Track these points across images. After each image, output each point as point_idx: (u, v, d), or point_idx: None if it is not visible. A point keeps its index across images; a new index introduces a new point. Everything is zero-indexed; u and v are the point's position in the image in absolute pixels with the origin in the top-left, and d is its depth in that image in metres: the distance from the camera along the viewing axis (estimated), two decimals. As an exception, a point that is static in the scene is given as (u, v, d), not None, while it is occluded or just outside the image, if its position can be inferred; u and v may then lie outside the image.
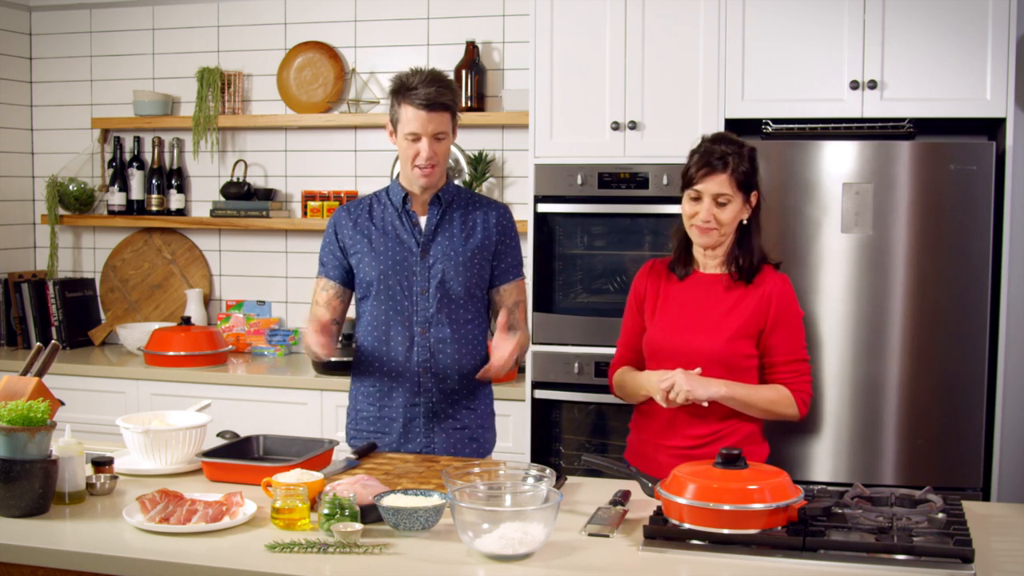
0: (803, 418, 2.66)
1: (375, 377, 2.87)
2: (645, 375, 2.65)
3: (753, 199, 2.61)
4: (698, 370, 2.56)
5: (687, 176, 2.61)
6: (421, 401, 2.83)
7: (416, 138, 2.73)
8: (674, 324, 2.64)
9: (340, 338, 2.99)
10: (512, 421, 3.84)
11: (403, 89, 2.73)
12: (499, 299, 2.91)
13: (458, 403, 2.85)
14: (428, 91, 2.69)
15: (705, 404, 2.54)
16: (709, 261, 2.66)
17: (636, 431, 2.75)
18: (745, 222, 2.61)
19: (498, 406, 3.82)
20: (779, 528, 2.03)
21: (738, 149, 2.57)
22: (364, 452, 2.70)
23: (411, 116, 2.71)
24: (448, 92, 2.73)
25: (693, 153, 2.63)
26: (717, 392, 2.52)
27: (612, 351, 2.88)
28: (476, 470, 2.28)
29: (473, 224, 2.85)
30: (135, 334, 4.52)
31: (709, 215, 2.56)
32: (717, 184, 2.55)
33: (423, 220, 2.85)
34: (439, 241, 2.83)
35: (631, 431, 2.77)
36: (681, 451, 2.61)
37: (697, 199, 2.58)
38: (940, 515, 2.14)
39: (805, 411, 2.63)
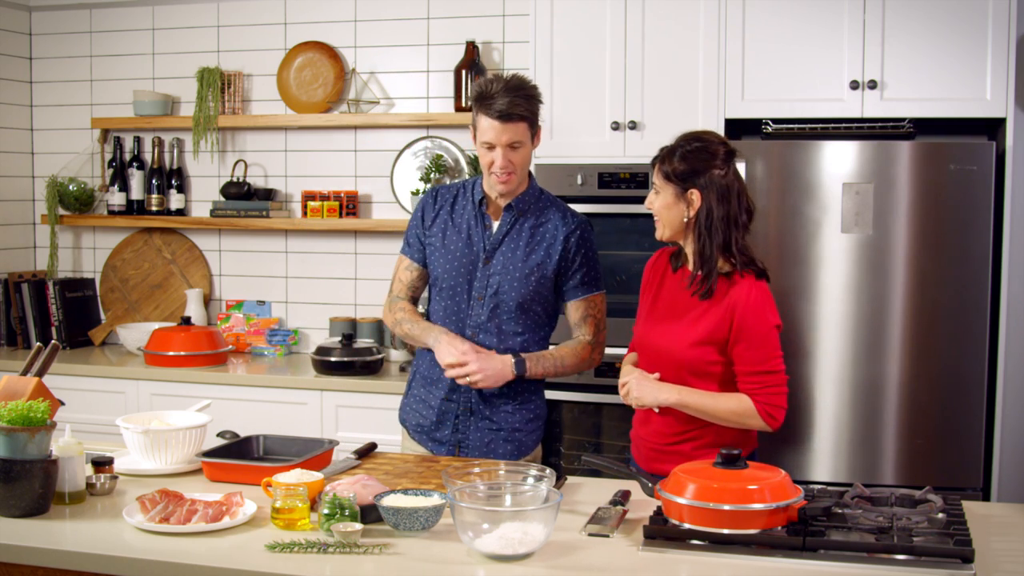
0: (775, 430, 2.57)
1: (429, 363, 2.89)
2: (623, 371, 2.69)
3: (691, 197, 2.55)
4: (656, 375, 2.57)
5: None
6: (458, 399, 2.84)
7: (491, 147, 2.73)
8: (653, 322, 2.66)
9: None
10: (512, 421, 3.84)
11: (481, 97, 2.71)
12: (568, 314, 2.92)
13: (497, 406, 2.84)
14: (503, 102, 2.67)
15: (656, 410, 2.55)
16: (690, 258, 2.66)
17: (633, 425, 2.78)
18: (686, 220, 2.58)
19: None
20: (779, 528, 2.03)
21: (681, 145, 2.58)
22: (364, 452, 2.70)
23: (486, 126, 2.71)
24: (524, 103, 2.70)
25: None
26: (667, 399, 2.52)
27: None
28: (476, 470, 2.29)
29: (540, 239, 2.83)
30: (135, 334, 4.52)
31: (648, 202, 2.64)
32: (655, 173, 2.62)
33: (495, 225, 2.85)
34: (503, 251, 2.82)
35: (633, 425, 2.78)
36: (658, 446, 2.63)
37: None
38: (940, 515, 2.14)
39: (774, 424, 2.54)
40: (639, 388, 2.54)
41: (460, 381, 2.75)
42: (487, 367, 2.73)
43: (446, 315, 2.86)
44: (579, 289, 2.87)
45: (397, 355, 4.28)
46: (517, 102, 2.69)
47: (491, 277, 2.81)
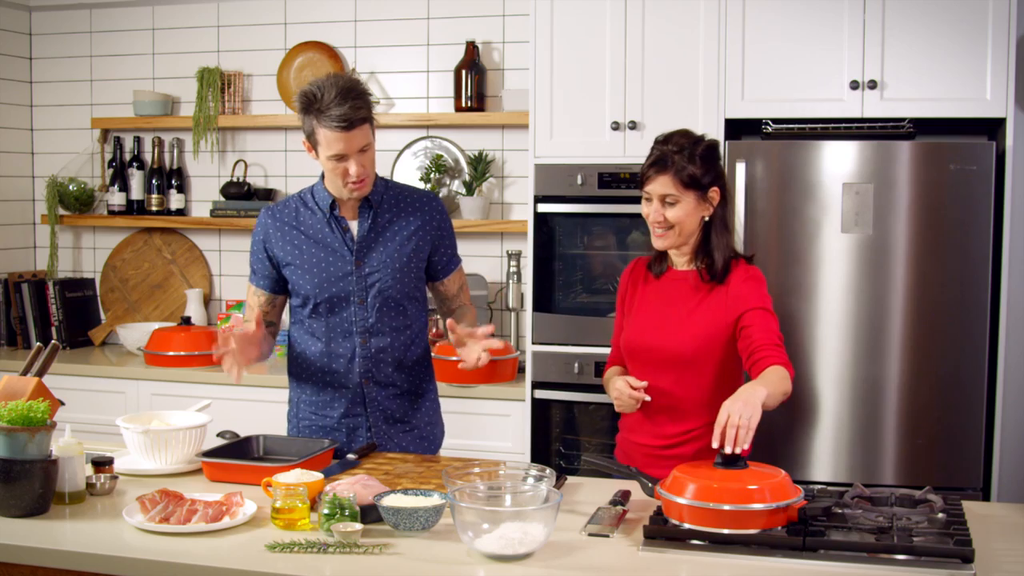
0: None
1: (316, 386, 2.82)
2: (611, 382, 2.64)
3: (713, 196, 2.57)
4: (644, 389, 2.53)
5: (640, 178, 2.61)
6: (364, 411, 2.80)
7: (342, 158, 2.61)
8: (646, 324, 2.64)
9: (276, 340, 2.93)
10: (512, 421, 3.84)
11: (315, 109, 2.57)
12: (444, 289, 2.89)
13: (404, 406, 2.83)
14: (343, 110, 2.54)
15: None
16: (678, 259, 2.65)
17: (622, 428, 2.77)
18: (707, 219, 2.59)
19: (498, 406, 3.85)
20: (779, 528, 2.03)
21: (686, 148, 2.54)
22: (364, 452, 2.70)
23: (332, 138, 2.58)
24: (364, 104, 2.60)
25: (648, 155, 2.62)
26: (761, 397, 2.28)
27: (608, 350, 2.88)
28: (476, 470, 2.28)
29: (406, 225, 2.78)
30: (135, 334, 4.52)
31: (659, 215, 2.56)
32: (661, 185, 2.54)
33: (354, 226, 2.75)
34: (374, 248, 2.74)
35: (620, 430, 2.78)
36: (655, 450, 2.61)
37: (649, 199, 2.58)
38: (940, 515, 2.14)
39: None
40: (747, 411, 2.22)
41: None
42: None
43: (329, 331, 2.76)
44: (452, 262, 2.88)
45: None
46: (358, 105, 2.58)
47: (369, 277, 2.74)
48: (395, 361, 2.79)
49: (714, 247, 2.59)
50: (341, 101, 2.55)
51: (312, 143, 2.65)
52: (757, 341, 2.51)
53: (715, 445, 2.17)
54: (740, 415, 2.18)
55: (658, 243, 2.61)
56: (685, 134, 2.59)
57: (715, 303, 2.58)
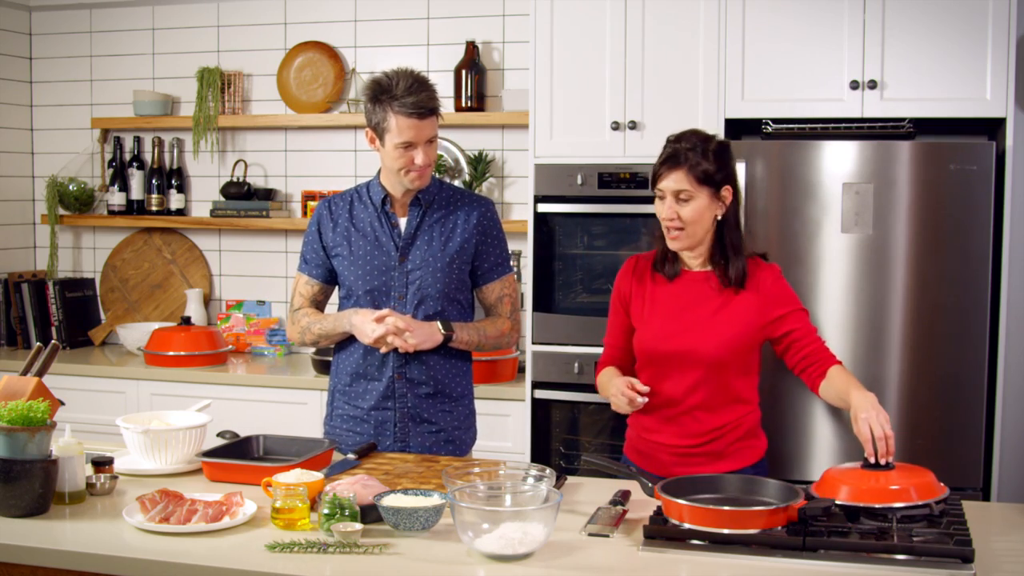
0: None
1: (352, 376, 2.86)
2: (609, 383, 2.61)
3: (725, 195, 2.57)
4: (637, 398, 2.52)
5: (652, 176, 2.60)
6: (394, 405, 2.82)
7: (410, 146, 2.68)
8: (667, 327, 2.60)
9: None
10: (512, 421, 3.84)
11: (388, 97, 2.65)
12: (483, 297, 2.90)
13: (434, 406, 2.83)
14: (418, 98, 2.63)
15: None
16: (692, 260, 2.64)
17: (636, 428, 2.72)
18: (719, 218, 2.59)
19: (498, 406, 3.85)
20: (779, 528, 2.03)
21: (698, 145, 2.54)
22: (364, 452, 2.70)
23: (405, 125, 2.64)
24: (435, 95, 2.69)
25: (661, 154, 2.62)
26: (877, 401, 2.43)
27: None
28: (476, 470, 2.29)
29: (453, 226, 2.81)
30: (135, 334, 4.52)
31: (672, 212, 2.54)
32: (675, 180, 2.53)
33: (403, 222, 2.81)
34: (418, 246, 2.79)
35: (629, 427, 2.75)
36: (683, 450, 2.59)
37: (663, 198, 2.57)
38: (940, 515, 2.14)
39: None
40: (881, 414, 2.39)
41: (394, 341, 2.68)
42: (416, 326, 2.72)
43: None
44: (495, 270, 2.87)
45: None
46: (431, 95, 2.66)
47: (410, 274, 2.78)
48: (429, 361, 2.81)
49: (730, 248, 2.59)
50: (417, 90, 2.63)
51: (379, 132, 2.71)
52: (810, 346, 2.57)
53: (870, 460, 2.30)
54: (881, 426, 2.34)
55: (673, 244, 2.60)
56: (696, 132, 2.60)
57: (744, 304, 2.56)
